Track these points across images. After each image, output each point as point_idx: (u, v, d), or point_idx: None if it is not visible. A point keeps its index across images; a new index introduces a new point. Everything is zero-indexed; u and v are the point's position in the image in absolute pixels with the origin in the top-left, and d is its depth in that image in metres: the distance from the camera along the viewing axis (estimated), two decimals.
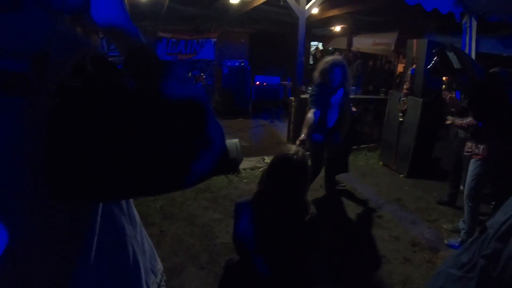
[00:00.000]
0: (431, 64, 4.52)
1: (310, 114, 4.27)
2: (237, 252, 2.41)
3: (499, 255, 1.79)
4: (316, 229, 2.37)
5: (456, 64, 3.81)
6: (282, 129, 8.68)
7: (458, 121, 4.32)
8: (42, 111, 0.69)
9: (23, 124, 0.70)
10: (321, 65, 4.48)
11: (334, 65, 4.37)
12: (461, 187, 5.12)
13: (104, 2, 0.89)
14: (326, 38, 15.69)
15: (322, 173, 5.01)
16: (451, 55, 3.86)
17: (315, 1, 6.57)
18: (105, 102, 0.72)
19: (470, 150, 4.18)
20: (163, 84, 0.80)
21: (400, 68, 12.10)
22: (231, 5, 9.51)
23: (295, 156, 2.26)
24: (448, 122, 4.53)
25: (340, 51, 13.95)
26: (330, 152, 4.73)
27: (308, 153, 4.39)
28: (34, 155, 0.71)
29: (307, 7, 6.48)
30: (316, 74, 4.54)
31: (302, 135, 3.98)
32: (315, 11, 7.90)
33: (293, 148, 2.37)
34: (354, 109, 4.91)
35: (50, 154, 0.70)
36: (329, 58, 4.50)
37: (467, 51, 6.30)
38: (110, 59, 0.88)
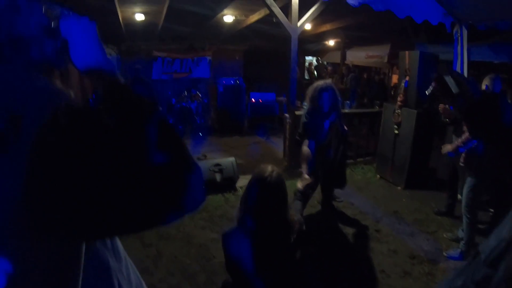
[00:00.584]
0: (429, 91, 4.58)
1: (305, 147, 4.34)
2: (232, 278, 2.39)
3: (489, 281, 1.78)
4: (305, 246, 2.34)
5: (454, 88, 3.85)
6: (278, 145, 8.67)
7: (453, 145, 4.30)
8: (21, 165, 0.72)
9: (7, 177, 0.73)
10: (310, 92, 4.51)
11: (322, 90, 4.41)
12: (459, 196, 5.11)
13: (82, 46, 0.93)
14: (320, 52, 15.82)
15: (319, 189, 5.01)
16: (448, 79, 3.91)
17: (306, 18, 6.65)
18: (77, 153, 0.74)
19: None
20: (143, 122, 0.82)
21: (394, 79, 12.18)
22: (225, 23, 9.62)
23: (269, 178, 2.22)
24: (444, 151, 4.48)
25: (334, 65, 14.06)
26: (324, 168, 4.72)
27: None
28: (19, 202, 0.73)
29: (299, 24, 6.55)
30: (306, 101, 4.58)
31: (304, 173, 4.05)
32: (307, 27, 7.98)
33: (268, 168, 2.32)
34: (345, 127, 4.93)
35: (29, 203, 0.73)
36: (316, 84, 4.53)
37: (459, 60, 6.33)
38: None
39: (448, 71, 3.68)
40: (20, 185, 0.72)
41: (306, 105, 4.73)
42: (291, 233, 2.23)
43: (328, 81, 4.70)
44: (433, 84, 4.34)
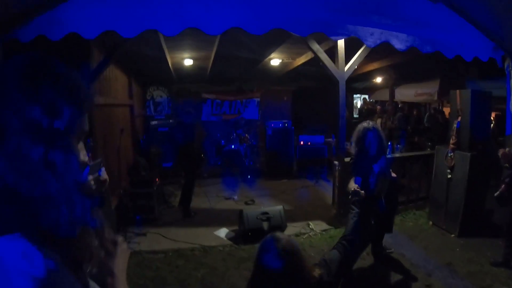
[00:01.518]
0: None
1: (352, 182, 4.30)
2: None
3: None
4: None
5: None
6: (327, 189, 8.49)
7: None
8: None
9: None
10: (355, 134, 4.49)
11: (366, 130, 4.37)
12: None
13: None
14: (368, 90, 15.69)
15: None
16: None
17: (353, 62, 6.48)
18: None
19: None
20: None
21: (446, 112, 11.82)
22: (272, 66, 9.79)
23: (279, 248, 2.05)
24: None
25: (383, 103, 13.89)
26: (376, 219, 4.58)
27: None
28: None
29: (346, 68, 6.41)
30: (353, 146, 4.54)
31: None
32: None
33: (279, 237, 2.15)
34: (394, 175, 4.78)
35: None
36: (360, 125, 4.50)
37: None
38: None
39: None
40: None
41: (352, 145, 4.67)
42: None
43: (371, 122, 4.62)
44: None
